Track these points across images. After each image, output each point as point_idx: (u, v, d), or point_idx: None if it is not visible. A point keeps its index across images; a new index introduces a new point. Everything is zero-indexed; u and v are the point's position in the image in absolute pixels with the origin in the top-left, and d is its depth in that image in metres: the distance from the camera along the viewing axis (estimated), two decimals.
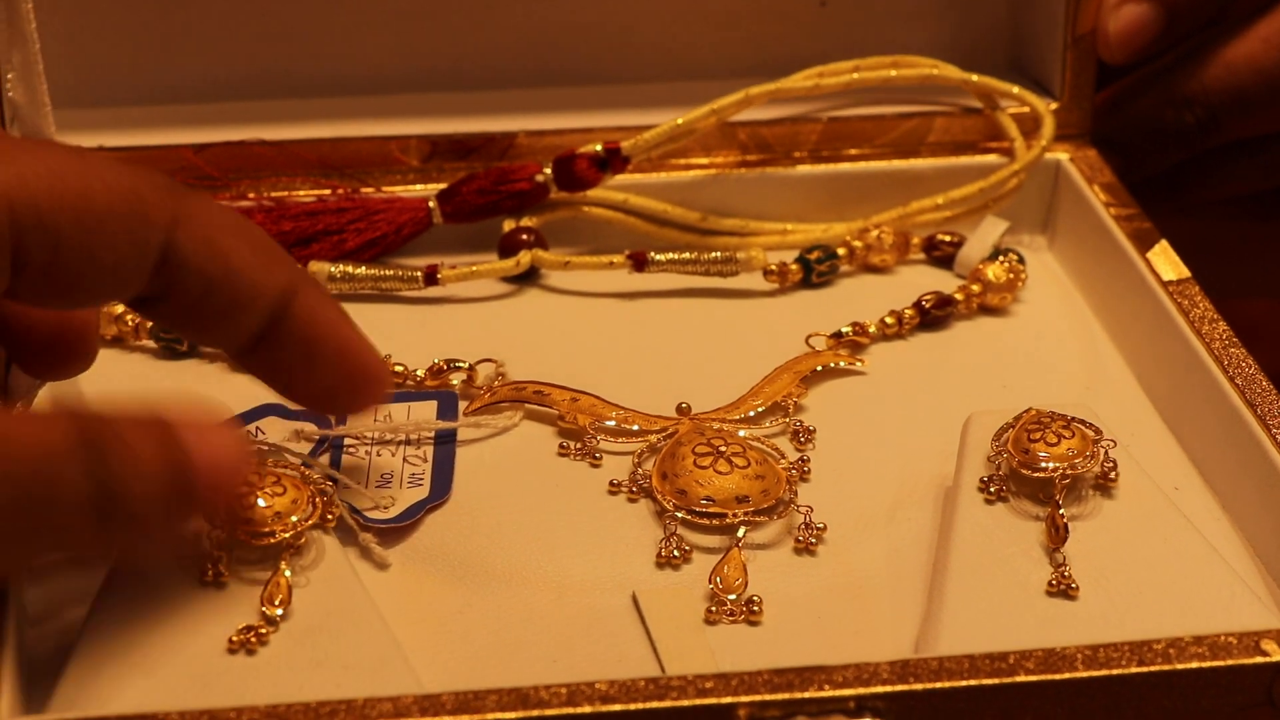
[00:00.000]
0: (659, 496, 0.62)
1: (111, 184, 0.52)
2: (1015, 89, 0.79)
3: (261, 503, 0.57)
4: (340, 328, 0.56)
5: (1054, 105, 0.79)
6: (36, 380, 0.61)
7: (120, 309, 0.69)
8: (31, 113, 0.69)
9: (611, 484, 0.64)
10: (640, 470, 0.64)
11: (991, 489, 0.62)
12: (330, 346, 0.56)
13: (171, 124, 0.76)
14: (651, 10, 0.81)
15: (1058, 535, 0.60)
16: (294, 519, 0.58)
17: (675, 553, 0.61)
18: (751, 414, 0.67)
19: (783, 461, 0.64)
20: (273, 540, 0.57)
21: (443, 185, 0.75)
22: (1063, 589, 0.58)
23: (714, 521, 0.62)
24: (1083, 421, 0.63)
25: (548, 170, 0.75)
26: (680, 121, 0.75)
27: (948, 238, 0.77)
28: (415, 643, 0.57)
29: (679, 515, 0.62)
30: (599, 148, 0.75)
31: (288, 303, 0.55)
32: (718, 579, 0.60)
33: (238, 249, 0.54)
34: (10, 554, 0.51)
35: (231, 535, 0.57)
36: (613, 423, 0.66)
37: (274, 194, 0.75)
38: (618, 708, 0.52)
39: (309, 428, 0.64)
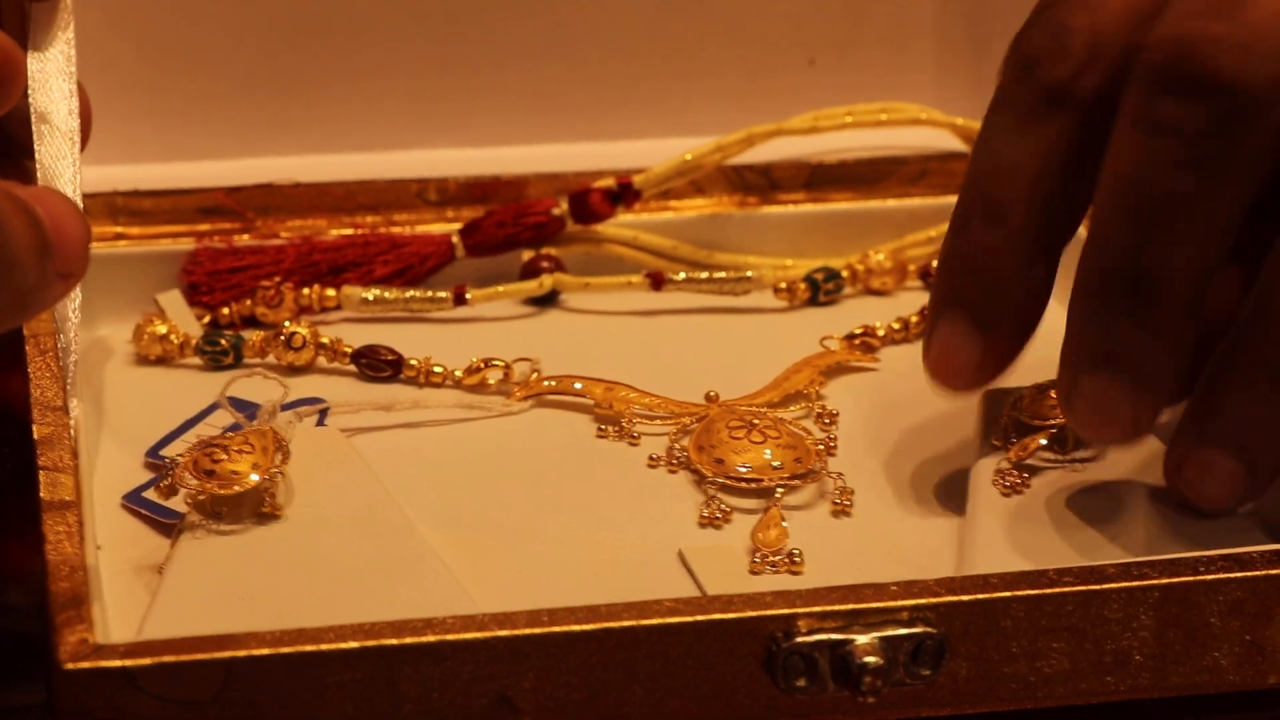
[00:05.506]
0: (697, 466, 0.65)
1: None
2: None
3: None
4: None
5: None
6: None
7: (164, 330, 0.72)
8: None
9: (651, 458, 0.67)
10: (677, 446, 0.67)
11: (1011, 439, 0.65)
12: None
13: (201, 172, 0.80)
14: (647, 70, 0.86)
15: (1068, 445, 0.64)
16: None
17: (717, 514, 0.64)
18: (776, 401, 0.70)
19: (810, 437, 0.67)
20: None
21: (460, 225, 0.79)
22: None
23: (751, 485, 0.64)
24: None
25: (564, 204, 0.79)
26: (689, 157, 0.80)
27: None
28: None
29: (717, 481, 0.65)
30: (612, 182, 0.79)
31: None
32: (759, 535, 0.62)
33: None
34: None
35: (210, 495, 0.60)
36: (647, 409, 0.69)
37: (303, 234, 0.78)
38: (681, 619, 0.54)
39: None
